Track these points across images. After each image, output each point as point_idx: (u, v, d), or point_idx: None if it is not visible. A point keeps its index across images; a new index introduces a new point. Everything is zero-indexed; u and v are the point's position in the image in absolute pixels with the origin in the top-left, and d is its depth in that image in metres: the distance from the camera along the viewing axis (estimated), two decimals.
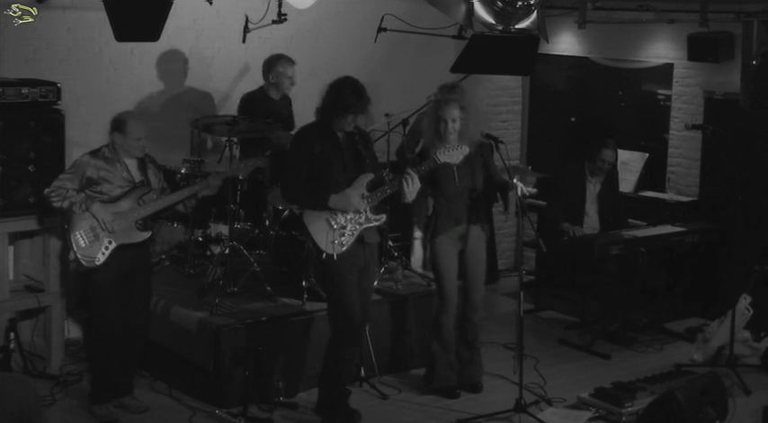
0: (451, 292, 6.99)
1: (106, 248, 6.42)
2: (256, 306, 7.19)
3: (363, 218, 6.32)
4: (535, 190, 7.02)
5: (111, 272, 6.44)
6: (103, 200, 6.43)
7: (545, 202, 8.96)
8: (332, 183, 6.26)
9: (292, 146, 6.47)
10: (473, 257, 7.03)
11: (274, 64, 8.13)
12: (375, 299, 7.26)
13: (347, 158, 6.31)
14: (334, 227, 6.26)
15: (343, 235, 6.27)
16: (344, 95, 6.20)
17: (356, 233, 6.30)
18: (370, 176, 6.34)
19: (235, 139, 7.41)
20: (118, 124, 6.49)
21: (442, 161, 6.45)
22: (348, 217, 6.29)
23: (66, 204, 6.40)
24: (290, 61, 8.15)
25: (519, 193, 6.77)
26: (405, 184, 6.25)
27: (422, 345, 7.43)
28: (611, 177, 8.55)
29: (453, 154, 6.46)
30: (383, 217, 6.42)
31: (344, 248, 6.26)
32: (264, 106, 8.05)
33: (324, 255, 6.27)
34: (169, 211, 6.83)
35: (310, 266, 7.12)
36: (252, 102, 8.11)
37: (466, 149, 6.50)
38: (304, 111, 8.68)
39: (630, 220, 8.71)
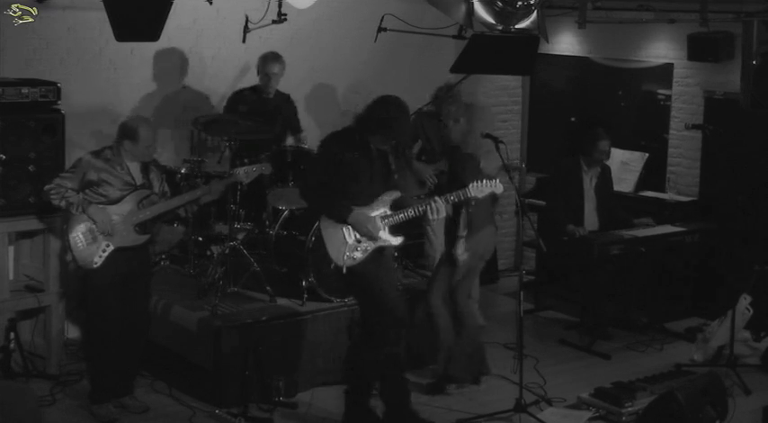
0: None
1: (104, 251, 6.42)
2: (256, 306, 7.19)
3: (380, 236, 6.21)
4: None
5: (110, 273, 6.44)
6: (103, 202, 6.43)
7: (545, 202, 8.97)
8: (356, 193, 6.16)
9: (321, 148, 6.34)
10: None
11: (259, 62, 8.10)
12: None
13: (376, 171, 6.19)
14: (349, 241, 6.17)
15: (357, 250, 6.18)
16: (393, 120, 6.11)
17: (370, 249, 6.19)
18: (395, 195, 6.23)
19: (232, 140, 7.40)
20: (129, 132, 6.46)
21: (472, 194, 6.30)
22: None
23: (63, 204, 6.40)
24: (275, 57, 8.02)
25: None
26: (430, 211, 6.15)
27: (422, 344, 7.43)
28: (605, 172, 8.57)
29: (485, 190, 6.31)
30: (401, 239, 6.28)
31: (355, 263, 6.17)
32: (251, 104, 8.00)
33: (332, 264, 6.20)
34: (169, 214, 6.82)
35: (310, 268, 7.10)
36: (237, 98, 8.06)
37: (500, 187, 6.38)
38: (304, 111, 8.73)
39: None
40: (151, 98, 8.31)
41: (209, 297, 7.19)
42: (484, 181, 6.33)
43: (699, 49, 8.68)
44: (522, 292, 6.67)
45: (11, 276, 7.29)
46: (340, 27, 9.12)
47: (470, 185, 6.30)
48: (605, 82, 9.75)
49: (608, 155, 8.49)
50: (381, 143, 6.18)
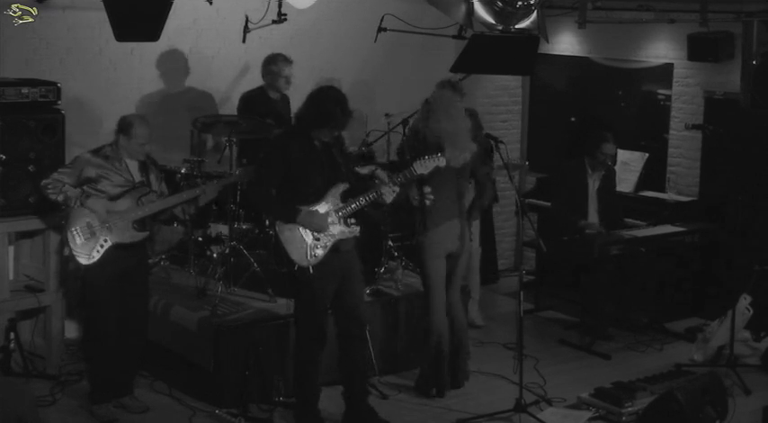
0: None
1: (101, 246, 6.42)
2: (256, 306, 7.19)
3: (337, 230, 6.26)
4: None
5: (107, 271, 6.44)
6: (102, 198, 6.43)
7: (549, 203, 8.96)
8: (308, 190, 6.21)
9: (269, 150, 6.37)
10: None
11: (269, 63, 8.13)
12: (377, 299, 7.32)
13: (324, 166, 6.24)
14: (308, 240, 6.20)
15: (318, 247, 6.21)
16: (328, 109, 6.16)
17: (329, 245, 6.23)
18: (343, 187, 6.28)
19: (233, 139, 7.40)
20: (124, 126, 6.48)
21: (418, 172, 6.37)
22: None
23: (61, 198, 6.41)
24: (286, 60, 8.13)
25: None
26: (384, 195, 6.24)
27: (421, 345, 7.44)
28: (610, 175, 8.56)
29: (429, 165, 6.37)
30: (357, 229, 6.33)
31: (318, 260, 6.20)
32: (263, 106, 8.05)
33: (296, 266, 6.21)
34: (167, 213, 6.83)
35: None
36: (250, 101, 8.11)
37: (442, 161, 6.42)
38: None
39: (630, 220, 8.71)
40: (151, 98, 8.31)
41: (209, 297, 7.20)
42: (426, 157, 6.37)
43: (699, 49, 8.67)
44: (522, 292, 6.67)
45: (11, 276, 7.29)
46: (340, 27, 9.13)
47: (414, 163, 6.36)
48: (605, 82, 9.75)
49: (612, 159, 8.47)
50: (324, 137, 6.23)
